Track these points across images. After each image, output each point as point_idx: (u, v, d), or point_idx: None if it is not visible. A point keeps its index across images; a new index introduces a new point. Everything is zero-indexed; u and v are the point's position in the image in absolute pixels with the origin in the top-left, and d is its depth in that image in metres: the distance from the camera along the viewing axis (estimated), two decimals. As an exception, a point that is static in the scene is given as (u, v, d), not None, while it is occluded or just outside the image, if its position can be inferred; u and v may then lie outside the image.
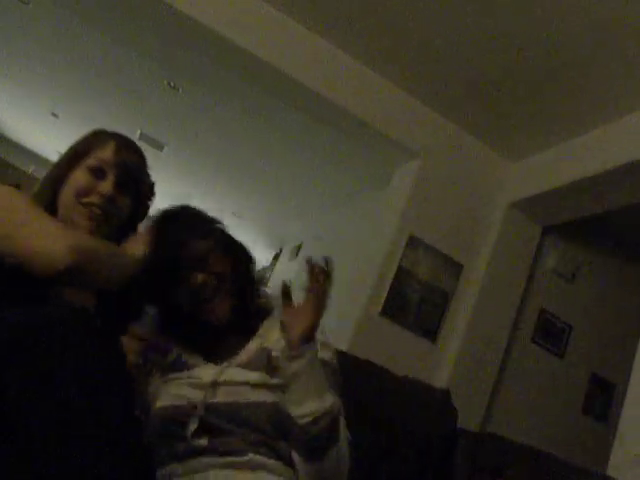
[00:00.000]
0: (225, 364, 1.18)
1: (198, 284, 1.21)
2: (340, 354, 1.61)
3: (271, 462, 1.07)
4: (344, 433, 1.11)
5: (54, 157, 7.80)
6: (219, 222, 1.34)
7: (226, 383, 1.14)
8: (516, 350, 3.11)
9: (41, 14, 4.02)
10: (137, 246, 1.25)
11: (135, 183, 1.31)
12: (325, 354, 1.21)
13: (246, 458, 1.06)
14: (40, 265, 1.03)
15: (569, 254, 3.32)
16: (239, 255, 1.32)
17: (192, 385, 1.15)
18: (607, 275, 3.44)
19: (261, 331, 1.27)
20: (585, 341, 3.29)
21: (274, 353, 1.18)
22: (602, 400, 3.29)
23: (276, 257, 7.19)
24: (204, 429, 1.10)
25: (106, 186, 1.25)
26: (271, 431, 1.10)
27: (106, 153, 1.28)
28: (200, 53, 3.14)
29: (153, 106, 4.88)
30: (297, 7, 2.78)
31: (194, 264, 1.22)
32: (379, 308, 2.86)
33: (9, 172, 7.36)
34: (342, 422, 1.11)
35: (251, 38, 2.77)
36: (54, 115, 6.12)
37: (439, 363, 2.92)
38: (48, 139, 7.13)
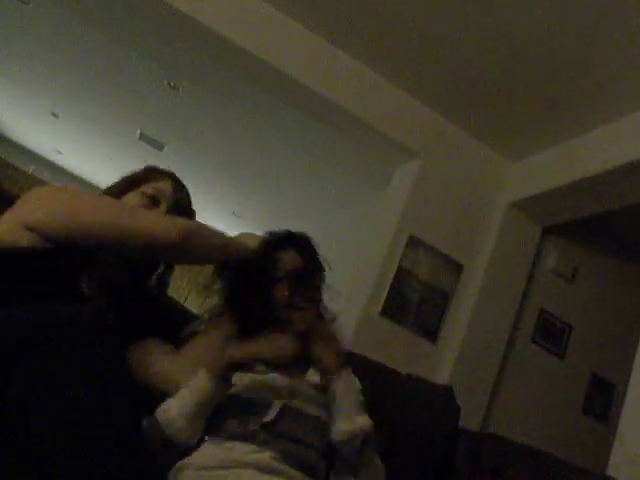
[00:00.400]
0: (299, 378, 1.28)
1: (297, 295, 1.33)
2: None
3: (299, 475, 1.12)
4: (376, 454, 1.20)
5: (54, 157, 7.81)
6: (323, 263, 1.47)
7: (302, 393, 1.23)
8: (516, 350, 3.11)
9: (41, 14, 4.03)
10: (251, 239, 1.39)
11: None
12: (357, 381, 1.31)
13: (272, 463, 1.10)
14: (157, 239, 1.16)
15: (569, 254, 3.32)
16: (322, 275, 1.46)
17: (270, 387, 1.22)
18: (607, 275, 3.43)
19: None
20: (585, 341, 3.29)
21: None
22: (602, 400, 3.29)
23: (276, 257, 7.16)
24: (274, 428, 1.15)
25: (159, 212, 1.34)
26: (321, 448, 1.18)
27: (164, 186, 1.40)
28: (200, 53, 3.14)
29: (153, 106, 4.88)
30: (297, 7, 2.78)
31: (299, 278, 1.35)
32: (379, 308, 2.86)
33: (9, 172, 7.36)
34: (373, 443, 1.20)
35: (251, 38, 2.77)
36: (54, 115, 6.12)
37: (439, 363, 2.92)
38: (48, 139, 7.13)
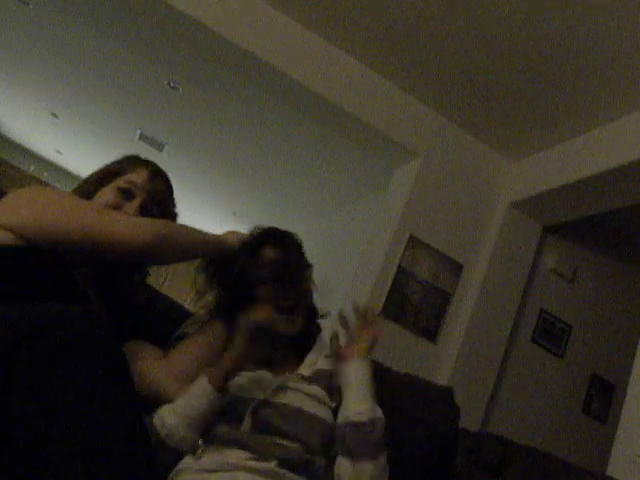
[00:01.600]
0: (288, 374, 1.23)
1: (282, 295, 1.28)
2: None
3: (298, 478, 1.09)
4: (385, 455, 1.15)
5: (54, 157, 7.80)
6: (309, 264, 1.44)
7: (292, 389, 1.19)
8: (516, 350, 3.11)
9: (41, 14, 4.03)
10: (233, 235, 1.37)
11: (160, 211, 1.35)
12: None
13: (270, 466, 1.07)
14: (124, 245, 1.15)
15: (569, 254, 3.32)
16: (311, 277, 1.43)
17: (258, 383, 1.19)
18: (607, 275, 3.43)
19: (317, 347, 1.34)
20: (585, 341, 3.29)
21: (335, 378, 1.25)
22: (602, 400, 3.29)
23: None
24: (255, 424, 1.12)
25: (132, 207, 1.29)
26: (318, 446, 1.13)
27: (139, 178, 1.34)
28: (200, 53, 3.14)
29: (153, 106, 4.88)
30: (297, 7, 2.78)
31: (287, 282, 1.30)
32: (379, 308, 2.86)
33: (9, 172, 7.35)
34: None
35: (251, 38, 2.77)
36: (54, 115, 6.12)
37: (439, 363, 2.92)
38: (48, 139, 7.13)
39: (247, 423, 1.12)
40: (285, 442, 1.11)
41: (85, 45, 4.19)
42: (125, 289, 1.39)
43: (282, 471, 1.07)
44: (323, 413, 1.18)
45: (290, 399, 1.17)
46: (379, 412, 1.14)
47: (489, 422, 2.96)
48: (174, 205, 1.43)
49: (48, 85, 5.42)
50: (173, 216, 1.42)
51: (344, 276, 3.97)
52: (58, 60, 4.70)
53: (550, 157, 2.99)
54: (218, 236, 1.37)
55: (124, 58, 4.14)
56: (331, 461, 1.14)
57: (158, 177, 1.38)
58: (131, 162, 1.39)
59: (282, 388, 1.18)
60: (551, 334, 3.21)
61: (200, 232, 1.32)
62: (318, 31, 2.88)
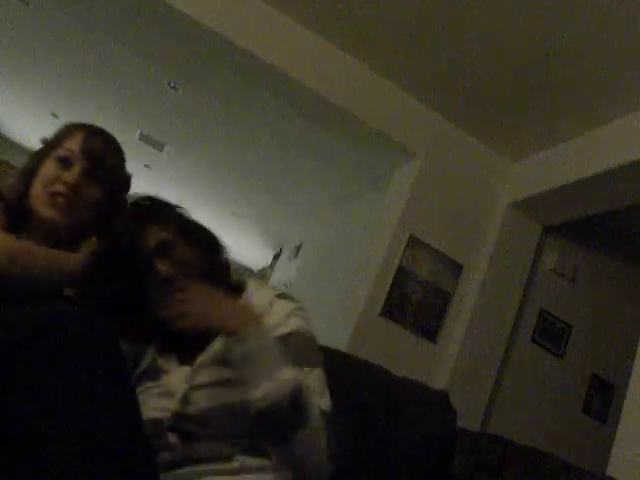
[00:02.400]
0: (196, 365, 1.10)
1: (166, 273, 1.13)
2: (339, 354, 1.61)
3: (262, 461, 1.00)
4: (315, 409, 0.99)
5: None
6: (180, 207, 1.28)
7: (199, 387, 1.06)
8: (516, 350, 3.11)
9: (41, 15, 4.03)
10: (85, 248, 1.23)
11: (106, 173, 1.29)
12: (297, 323, 1.13)
13: (236, 464, 0.99)
14: None
15: (569, 254, 3.32)
16: (205, 239, 1.26)
17: (166, 394, 1.08)
18: (607, 275, 3.43)
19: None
20: (585, 341, 3.29)
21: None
22: (602, 400, 3.29)
23: (276, 257, 7.19)
24: (186, 438, 1.03)
25: (71, 175, 1.24)
26: (252, 428, 1.00)
27: (74, 143, 1.27)
28: (200, 53, 3.15)
29: (153, 106, 4.88)
30: (297, 7, 2.78)
31: (157, 254, 1.15)
32: (379, 308, 2.86)
33: (9, 172, 7.35)
34: (310, 398, 0.99)
35: (251, 38, 2.77)
36: (54, 115, 6.12)
37: (439, 363, 2.92)
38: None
39: (172, 440, 1.02)
40: (218, 442, 1.01)
41: (85, 45, 4.19)
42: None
43: (249, 460, 0.99)
44: (239, 393, 1.00)
45: (202, 400, 1.04)
46: (282, 387, 0.94)
47: (489, 422, 2.96)
48: (122, 167, 1.34)
49: (48, 85, 5.42)
50: (126, 179, 1.35)
51: (344, 276, 3.97)
52: (58, 60, 4.70)
53: (550, 157, 2.99)
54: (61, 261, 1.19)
55: (124, 58, 4.14)
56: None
57: (96, 137, 1.30)
58: (66, 129, 1.32)
59: (191, 391, 1.06)
60: (551, 334, 3.21)
61: (46, 253, 1.17)
62: (318, 31, 2.87)
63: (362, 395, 1.44)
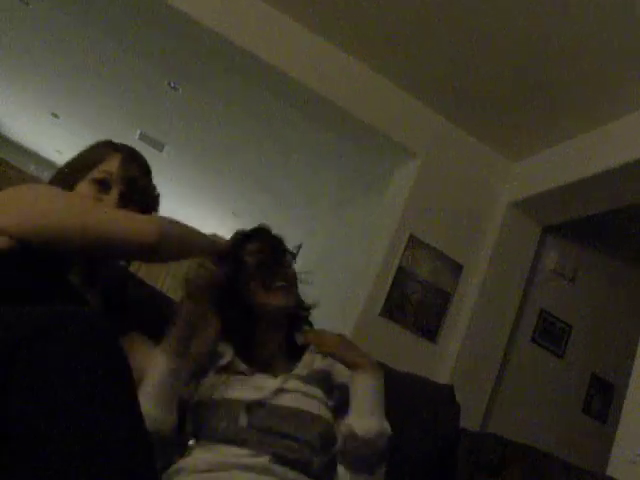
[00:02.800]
0: (286, 375, 1.22)
1: (271, 277, 1.27)
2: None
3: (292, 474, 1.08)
4: (383, 469, 1.16)
5: (54, 157, 7.80)
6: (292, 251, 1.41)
7: (289, 391, 1.18)
8: (516, 350, 3.11)
9: (41, 14, 4.03)
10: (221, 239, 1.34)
11: (140, 195, 1.31)
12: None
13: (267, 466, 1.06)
14: (133, 243, 1.12)
15: (569, 254, 3.32)
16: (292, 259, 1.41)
17: (252, 388, 1.17)
18: (607, 275, 3.43)
19: (311, 349, 1.32)
20: (585, 341, 3.29)
21: (337, 378, 1.26)
22: (602, 400, 3.29)
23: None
24: (252, 424, 1.11)
25: (110, 199, 1.24)
26: (317, 446, 1.12)
27: (112, 166, 1.27)
28: (200, 53, 3.15)
29: (153, 106, 4.88)
30: (297, 7, 2.78)
31: (268, 262, 1.30)
32: (379, 308, 2.86)
33: (9, 172, 7.35)
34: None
35: (251, 38, 2.77)
36: (54, 115, 6.12)
37: (439, 363, 2.92)
38: (48, 139, 7.13)
39: (243, 420, 1.11)
40: (282, 440, 1.10)
41: (85, 45, 4.19)
42: (122, 286, 1.38)
43: (276, 466, 1.05)
44: (323, 413, 1.17)
45: (288, 401, 1.16)
46: (386, 428, 1.14)
47: (489, 422, 2.96)
48: (154, 187, 1.37)
49: (48, 85, 5.42)
50: (155, 198, 1.37)
51: (344, 276, 3.97)
52: (58, 60, 4.70)
53: (550, 157, 2.99)
54: (210, 236, 1.33)
55: (124, 58, 4.14)
56: (331, 460, 1.14)
57: (132, 162, 1.31)
58: (102, 150, 1.32)
59: (280, 390, 1.17)
60: (551, 334, 3.22)
61: (197, 231, 1.29)
62: (318, 31, 2.88)
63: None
